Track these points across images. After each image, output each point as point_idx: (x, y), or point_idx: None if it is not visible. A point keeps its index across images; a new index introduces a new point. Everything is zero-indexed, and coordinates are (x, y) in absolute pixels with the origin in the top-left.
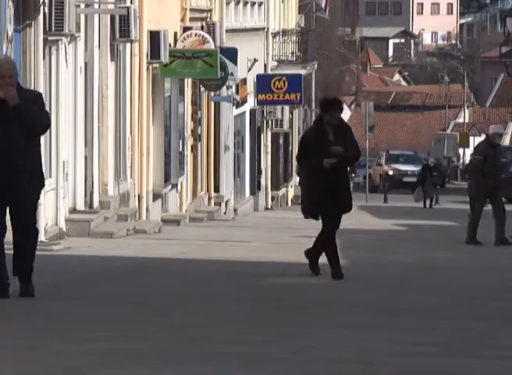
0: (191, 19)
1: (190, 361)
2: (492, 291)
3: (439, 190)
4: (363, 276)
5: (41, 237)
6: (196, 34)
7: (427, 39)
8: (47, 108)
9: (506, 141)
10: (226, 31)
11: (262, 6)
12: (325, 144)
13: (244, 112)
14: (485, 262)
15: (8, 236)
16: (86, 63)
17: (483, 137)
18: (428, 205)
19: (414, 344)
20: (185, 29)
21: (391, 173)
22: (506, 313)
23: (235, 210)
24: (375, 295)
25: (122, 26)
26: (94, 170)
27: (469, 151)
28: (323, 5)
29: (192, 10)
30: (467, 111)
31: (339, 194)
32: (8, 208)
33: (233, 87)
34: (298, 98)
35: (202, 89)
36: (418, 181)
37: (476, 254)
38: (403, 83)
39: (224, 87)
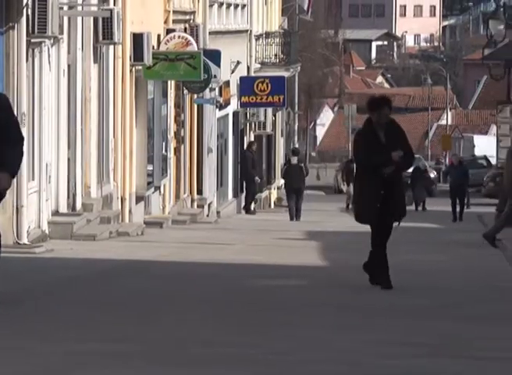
0: (174, 22)
1: (176, 362)
2: (480, 291)
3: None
4: (346, 278)
5: (24, 239)
6: (179, 36)
7: (410, 41)
8: (29, 112)
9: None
10: (209, 33)
11: (245, 9)
12: (377, 147)
13: (227, 115)
14: (471, 264)
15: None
16: (69, 65)
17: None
18: (420, 208)
19: (401, 345)
20: (168, 31)
21: None
22: (494, 314)
23: (218, 212)
24: (361, 297)
25: (105, 29)
26: (76, 173)
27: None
28: (305, 8)
29: (175, 12)
30: (449, 113)
31: (393, 200)
32: None
33: (216, 90)
34: (281, 100)
35: (185, 91)
36: (410, 184)
37: (462, 255)
38: (386, 85)
39: (207, 90)
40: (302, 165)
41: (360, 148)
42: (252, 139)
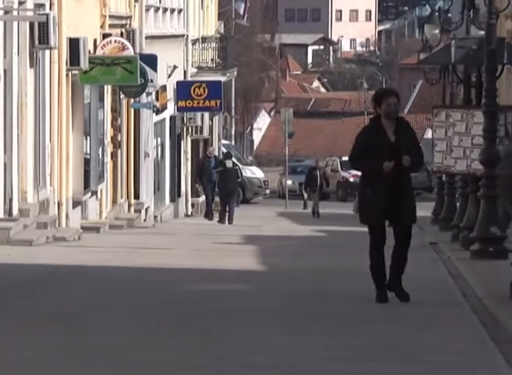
0: (111, 26)
1: (109, 368)
2: (415, 295)
3: None
4: (284, 282)
5: None
6: (115, 41)
7: (346, 46)
8: None
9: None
10: (146, 38)
11: (182, 13)
12: (384, 145)
13: (164, 119)
14: (406, 268)
15: None
16: (5, 70)
17: None
18: None
19: (337, 349)
20: (104, 36)
21: (352, 179)
22: (431, 317)
23: (155, 217)
24: (298, 301)
25: (41, 33)
26: (13, 178)
27: None
28: (242, 12)
29: (111, 17)
30: None
31: (401, 201)
32: None
33: (153, 94)
34: (218, 104)
35: (122, 96)
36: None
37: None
38: (323, 89)
39: (144, 94)
40: (237, 167)
41: (356, 147)
42: (213, 146)
